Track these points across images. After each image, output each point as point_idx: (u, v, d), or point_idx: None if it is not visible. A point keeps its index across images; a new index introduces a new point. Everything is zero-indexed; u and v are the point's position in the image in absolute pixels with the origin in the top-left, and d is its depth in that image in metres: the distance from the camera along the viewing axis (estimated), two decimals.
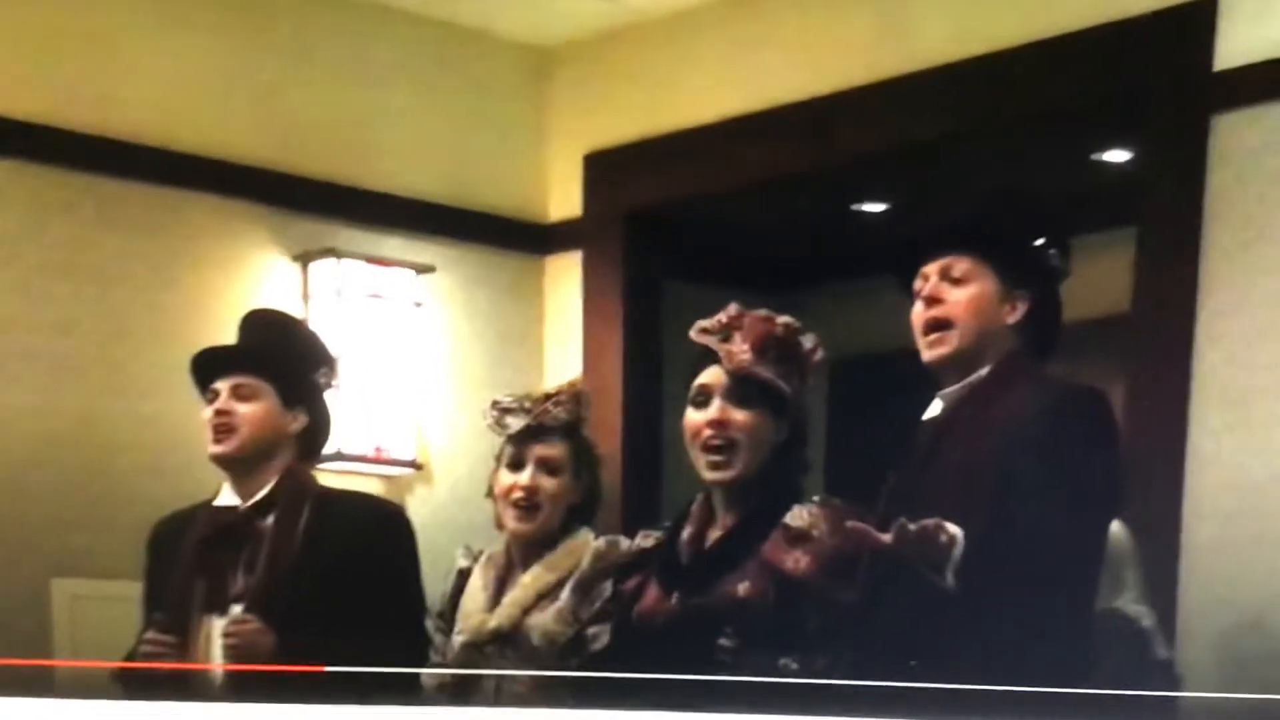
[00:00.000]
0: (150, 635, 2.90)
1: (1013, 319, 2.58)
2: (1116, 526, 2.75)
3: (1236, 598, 3.21)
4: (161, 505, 3.13)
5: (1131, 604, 2.91)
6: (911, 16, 3.89)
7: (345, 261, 4.20)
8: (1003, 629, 2.36)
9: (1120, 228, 3.68)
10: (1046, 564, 2.37)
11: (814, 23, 4.06)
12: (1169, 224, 3.45)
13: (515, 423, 3.02)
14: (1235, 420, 3.31)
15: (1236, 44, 3.39)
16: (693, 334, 2.73)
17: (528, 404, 3.04)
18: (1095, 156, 4.23)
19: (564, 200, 4.54)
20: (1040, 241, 2.61)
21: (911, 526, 2.36)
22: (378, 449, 4.25)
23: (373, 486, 4.21)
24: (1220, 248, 3.37)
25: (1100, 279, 3.37)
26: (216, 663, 2.87)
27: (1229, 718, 2.22)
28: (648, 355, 4.39)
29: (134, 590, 3.05)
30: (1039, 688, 2.15)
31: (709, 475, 2.67)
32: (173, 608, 2.91)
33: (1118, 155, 4.23)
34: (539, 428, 3.01)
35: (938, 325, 2.58)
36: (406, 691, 2.82)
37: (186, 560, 2.94)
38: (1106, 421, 2.50)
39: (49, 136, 3.84)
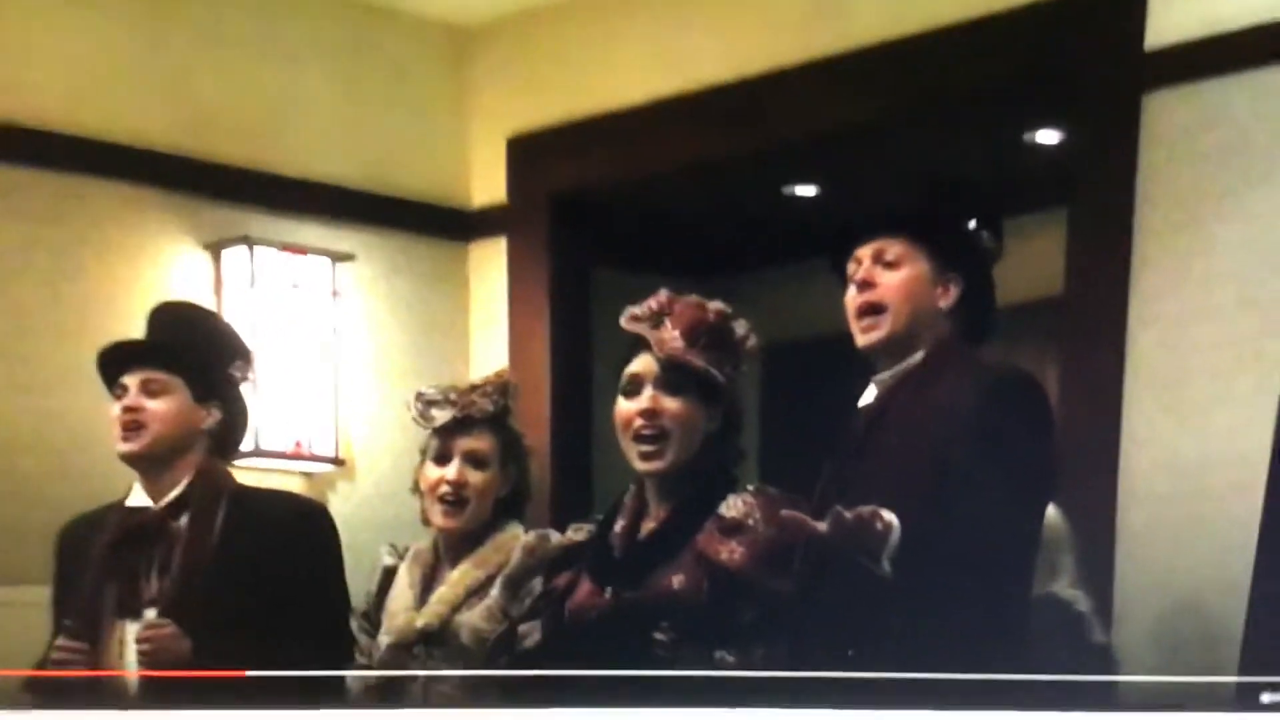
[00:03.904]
0: (61, 642, 2.88)
1: (946, 302, 2.63)
2: (1052, 511, 2.81)
3: (1172, 581, 3.28)
4: (69, 507, 3.11)
5: (1067, 588, 2.98)
6: None
7: (259, 250, 4.18)
8: (940, 616, 2.41)
9: (1052, 209, 3.75)
10: (982, 550, 2.43)
11: (741, 2, 4.09)
12: (1101, 205, 3.51)
13: (440, 415, 3.04)
14: (1169, 402, 3.37)
15: (1167, 22, 3.44)
16: (622, 321, 2.75)
17: (453, 396, 3.06)
18: (1026, 137, 4.28)
19: (487, 185, 4.54)
20: (973, 224, 2.66)
21: (847, 515, 2.41)
22: (297, 444, 4.24)
23: (293, 484, 4.20)
24: (1152, 229, 3.42)
25: (1033, 261, 3.43)
26: (131, 670, 2.87)
27: (1166, 701, 2.28)
28: (576, 344, 4.41)
29: (42, 596, 3.04)
30: (977, 674, 2.21)
31: (641, 466, 2.69)
32: (83, 613, 2.90)
33: (1049, 136, 4.28)
34: (465, 420, 3.03)
35: (871, 310, 2.63)
36: (331, 695, 2.83)
37: (97, 563, 2.93)
38: (1040, 406, 2.57)
39: None
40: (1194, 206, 3.40)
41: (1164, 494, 3.34)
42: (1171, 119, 3.43)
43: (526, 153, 4.48)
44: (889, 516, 2.42)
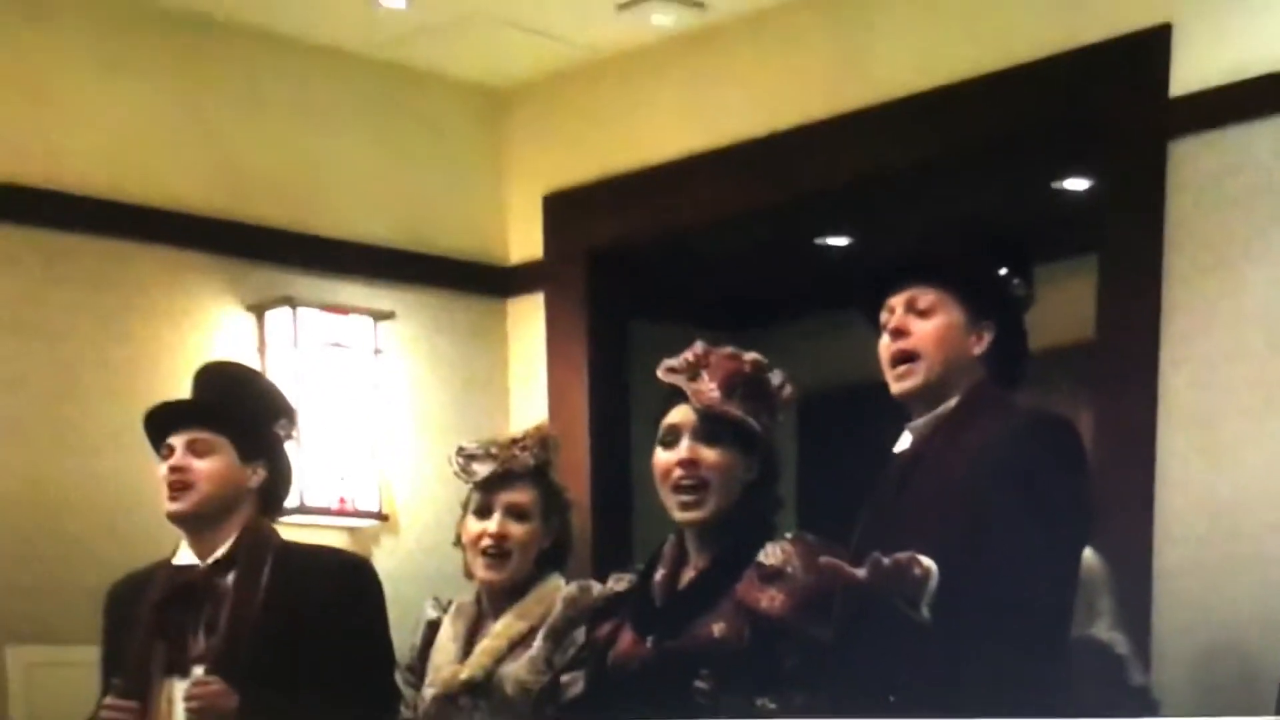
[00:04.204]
0: (109, 701, 2.89)
1: (979, 349, 2.63)
2: (1088, 554, 2.81)
3: (1210, 620, 3.26)
4: (117, 567, 3.13)
5: (1106, 630, 2.98)
6: (869, 49, 3.95)
7: (302, 310, 4.22)
8: (979, 661, 2.41)
9: (1082, 255, 3.76)
10: (1021, 594, 2.42)
11: (771, 56, 4.12)
12: (1130, 250, 3.51)
13: (482, 469, 3.06)
14: (1202, 443, 3.37)
15: (1192, 69, 3.47)
16: (660, 373, 2.77)
17: (494, 449, 3.08)
18: (1055, 185, 4.31)
19: (524, 241, 4.57)
20: (1004, 271, 2.67)
21: (885, 560, 2.39)
22: (341, 500, 4.27)
23: (337, 539, 4.22)
24: (1181, 273, 3.43)
25: (1064, 306, 3.45)
26: None
27: None
28: (614, 396, 4.42)
29: (91, 655, 3.05)
30: (1017, 719, 2.22)
31: (680, 515, 2.71)
32: (132, 672, 2.90)
33: (1078, 183, 4.31)
34: (506, 473, 3.05)
35: (905, 358, 2.63)
36: None
37: (145, 622, 2.93)
38: (1075, 448, 2.56)
39: None
40: (1221, 249, 3.41)
41: (1199, 534, 3.33)
42: (1197, 164, 3.44)
43: (562, 209, 4.51)
44: (927, 562, 2.41)
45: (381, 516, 4.36)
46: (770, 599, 2.61)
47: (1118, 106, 3.57)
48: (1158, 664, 3.25)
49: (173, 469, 2.96)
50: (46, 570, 3.86)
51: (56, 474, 3.91)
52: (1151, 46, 3.51)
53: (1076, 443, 2.59)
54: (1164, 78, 3.50)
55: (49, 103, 3.97)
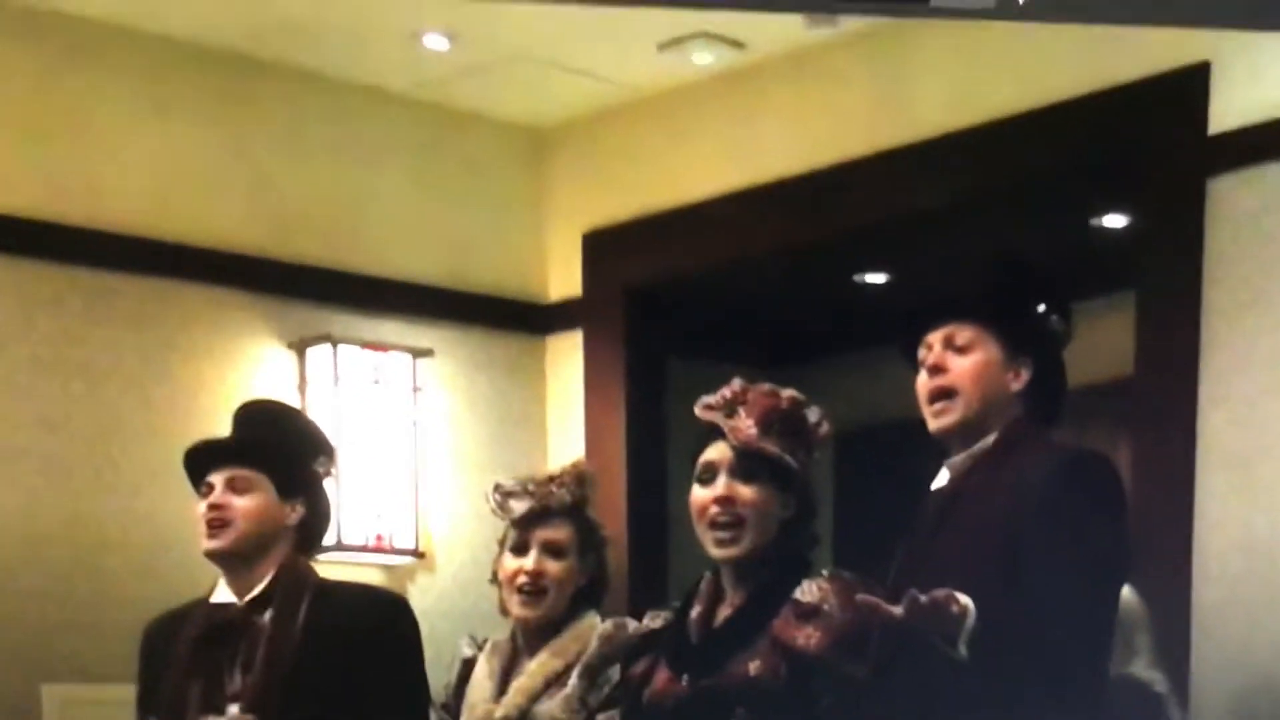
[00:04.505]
0: None
1: (1017, 386, 2.64)
2: (1126, 592, 2.81)
3: (1248, 659, 3.24)
4: (154, 605, 3.14)
5: (1145, 669, 2.96)
6: (908, 87, 3.97)
7: (342, 348, 4.26)
8: (1017, 699, 2.41)
9: (1120, 292, 3.75)
10: (1059, 632, 2.42)
11: (810, 95, 4.15)
12: (1168, 287, 3.52)
13: (519, 506, 3.06)
14: (1241, 481, 3.37)
15: (1230, 107, 3.48)
16: (697, 410, 2.77)
17: (531, 487, 3.08)
18: (1094, 222, 4.31)
19: (563, 280, 4.60)
20: (1042, 307, 2.68)
21: (923, 598, 2.40)
22: (378, 538, 4.28)
23: (374, 577, 4.24)
24: (1220, 309, 3.43)
25: (1102, 343, 3.44)
26: None
27: None
28: (651, 433, 4.43)
29: (128, 694, 3.06)
30: None
31: (716, 552, 2.70)
32: (168, 710, 2.91)
33: (1116, 220, 4.31)
34: (543, 510, 3.05)
35: (943, 394, 2.64)
36: None
37: (181, 660, 2.94)
38: (1113, 486, 2.56)
39: (35, 230, 3.89)
40: (1260, 286, 3.41)
41: (1238, 573, 3.31)
42: (1236, 201, 3.45)
43: (601, 247, 4.54)
44: (964, 600, 2.41)
45: (418, 554, 4.37)
46: (807, 636, 2.60)
47: (1156, 144, 3.59)
48: (1196, 702, 3.24)
49: (211, 506, 2.97)
50: (83, 608, 3.89)
51: (96, 512, 3.94)
52: (1190, 84, 3.53)
53: (1115, 480, 2.59)
54: (1203, 115, 3.51)
55: (92, 142, 4.02)
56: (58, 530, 3.89)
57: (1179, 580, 3.34)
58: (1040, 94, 3.72)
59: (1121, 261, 3.73)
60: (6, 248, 3.88)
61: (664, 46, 4.16)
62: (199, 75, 4.17)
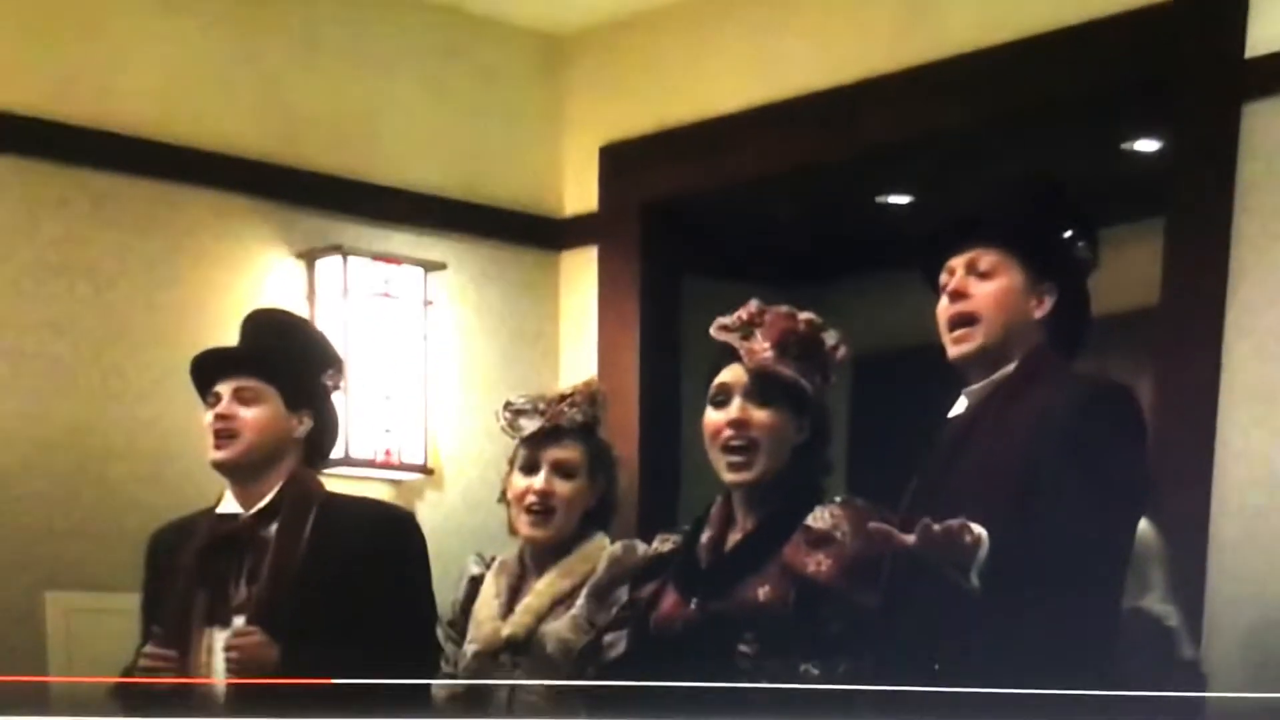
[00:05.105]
0: (149, 649, 2.92)
1: (1040, 313, 2.63)
2: (1143, 525, 2.80)
3: (1264, 595, 3.24)
4: (160, 514, 3.16)
5: (1158, 603, 2.97)
6: (936, 3, 3.92)
7: (352, 259, 4.24)
8: (1027, 630, 2.41)
9: (1149, 219, 3.72)
10: (1072, 563, 2.42)
11: (836, 9, 4.10)
12: (1198, 215, 3.48)
13: (529, 425, 3.07)
14: (1264, 414, 3.35)
15: (1268, 30, 3.42)
16: (713, 331, 2.77)
17: (542, 405, 3.09)
18: (1124, 146, 4.27)
19: (579, 194, 4.58)
20: (1068, 233, 2.66)
21: (936, 527, 2.40)
22: (387, 453, 4.29)
23: (382, 492, 4.24)
24: (1250, 239, 3.40)
25: (1128, 271, 3.41)
26: (218, 677, 2.90)
27: (1256, 717, 2.28)
28: (666, 353, 4.42)
29: (131, 603, 3.08)
30: (1064, 689, 2.23)
31: (729, 476, 2.71)
32: (172, 620, 2.93)
33: (1147, 145, 4.27)
34: (554, 430, 3.07)
35: (963, 320, 2.64)
36: (417, 703, 2.87)
37: (186, 571, 2.96)
38: (1134, 418, 2.56)
39: (41, 129, 3.87)
40: None
41: (1258, 507, 3.31)
42: (1271, 129, 3.41)
43: (619, 161, 4.50)
44: (978, 529, 2.42)
45: (427, 470, 4.38)
46: (817, 563, 2.61)
47: (1190, 67, 3.54)
48: (1209, 638, 3.25)
49: (218, 416, 2.99)
50: (88, 516, 3.90)
51: (102, 418, 3.95)
52: (1227, 5, 3.47)
53: (1136, 412, 2.58)
54: (1239, 38, 3.45)
55: (100, 39, 3.99)
56: (63, 436, 3.90)
57: (1197, 514, 3.33)
58: (1072, 13, 3.67)
59: (1151, 187, 3.69)
60: (13, 147, 3.87)
61: None
62: None
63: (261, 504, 2.99)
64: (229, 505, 3.02)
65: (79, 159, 3.95)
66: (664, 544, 2.87)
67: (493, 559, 3.16)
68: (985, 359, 2.64)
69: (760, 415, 2.70)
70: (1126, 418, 2.55)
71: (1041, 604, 2.41)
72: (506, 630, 3.04)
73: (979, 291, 2.64)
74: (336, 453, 3.37)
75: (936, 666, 2.45)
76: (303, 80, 4.25)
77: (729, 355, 2.75)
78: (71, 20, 3.95)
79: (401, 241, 4.37)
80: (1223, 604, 3.29)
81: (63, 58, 3.94)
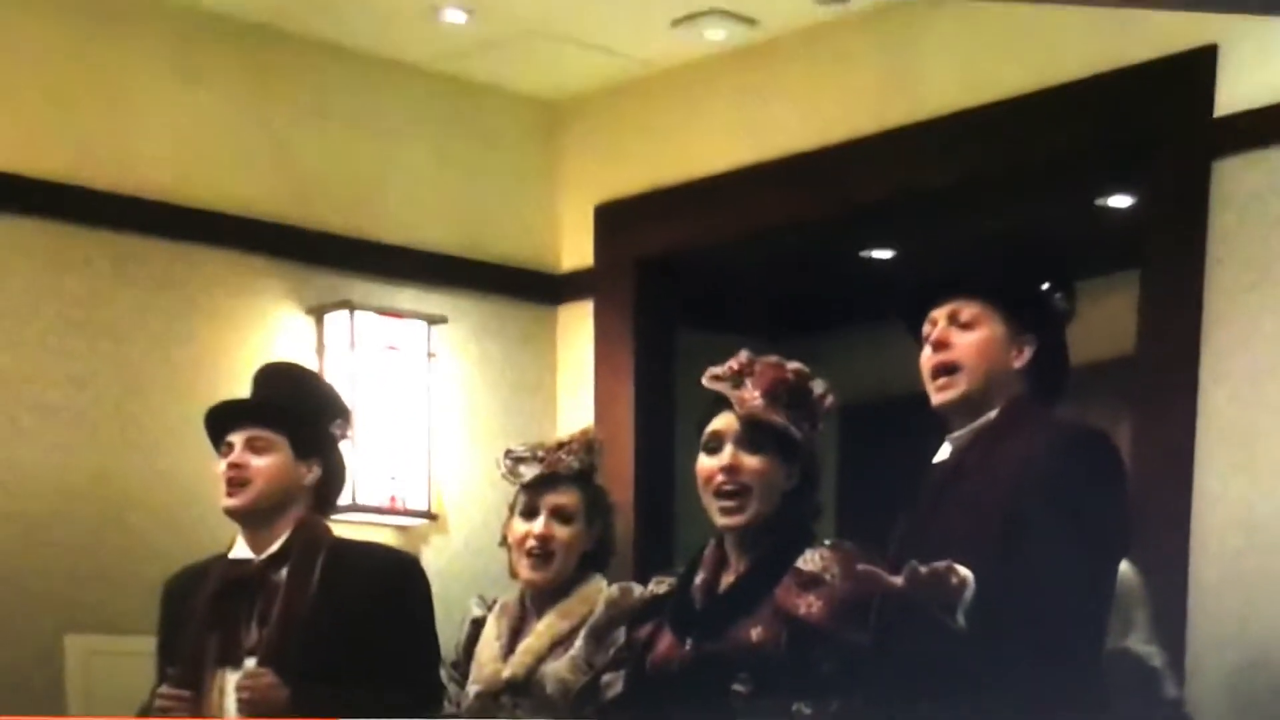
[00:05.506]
0: (164, 690, 2.89)
1: (1020, 363, 2.60)
2: (1125, 567, 2.77)
3: (1245, 635, 3.22)
4: (175, 559, 3.14)
5: (1141, 644, 2.93)
6: (917, 67, 3.93)
7: (359, 314, 4.23)
8: (1014, 670, 2.37)
9: (1124, 271, 3.71)
10: (1056, 605, 2.39)
11: (821, 74, 4.11)
12: (1172, 267, 3.48)
13: (528, 471, 3.05)
14: (1241, 459, 3.33)
15: (1236, 90, 3.43)
16: (705, 380, 2.76)
17: (540, 453, 3.07)
18: (1099, 202, 4.28)
19: (576, 251, 4.57)
20: (1046, 285, 2.64)
21: (922, 569, 2.36)
22: (392, 499, 4.27)
23: (387, 537, 4.21)
24: (1223, 289, 3.40)
25: (1105, 322, 3.40)
26: (230, 717, 2.87)
27: None
28: (659, 402, 4.41)
29: (148, 645, 3.06)
30: None
31: (721, 520, 2.69)
32: (186, 662, 2.91)
33: (1121, 200, 4.28)
34: (552, 476, 3.04)
35: (946, 369, 2.60)
36: None
37: (200, 614, 2.94)
38: (1113, 462, 2.53)
39: (65, 193, 3.88)
40: (1264, 267, 3.37)
41: (1236, 549, 3.29)
42: (1241, 183, 3.41)
43: (613, 219, 4.50)
44: (964, 571, 2.38)
45: (431, 516, 4.36)
46: (808, 605, 2.59)
47: (1163, 125, 3.55)
48: (1192, 678, 3.21)
49: (231, 465, 2.97)
50: (108, 562, 3.88)
51: (121, 469, 3.94)
52: (1197, 67, 3.49)
53: (1115, 456, 2.55)
54: (1209, 98, 3.47)
55: (122, 108, 4.00)
56: (84, 485, 3.89)
57: (1178, 556, 3.32)
58: (1048, 75, 3.69)
59: (1126, 241, 3.69)
60: (38, 210, 3.87)
61: (677, 22, 4.14)
62: (225, 46, 4.15)
63: (272, 549, 2.96)
64: (241, 550, 3.00)
65: (100, 221, 3.95)
66: (659, 586, 2.85)
67: (494, 601, 3.13)
68: (967, 406, 2.61)
69: (751, 461, 2.69)
70: (1106, 461, 2.52)
71: (1028, 644, 2.37)
72: (507, 671, 3.00)
73: (961, 341, 2.62)
74: (344, 499, 3.35)
75: (925, 705, 2.40)
76: (313, 145, 4.27)
77: (721, 404, 2.74)
78: (93, 90, 3.97)
79: (406, 297, 4.37)
80: (1205, 645, 3.27)
81: (85, 126, 3.96)
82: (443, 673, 3.06)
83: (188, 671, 2.90)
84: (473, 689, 3.03)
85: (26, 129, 3.87)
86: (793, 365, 2.75)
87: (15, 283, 3.85)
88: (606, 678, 2.90)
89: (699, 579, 2.73)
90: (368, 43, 4.28)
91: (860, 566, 2.47)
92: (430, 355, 4.36)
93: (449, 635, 3.09)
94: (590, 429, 3.31)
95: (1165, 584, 3.20)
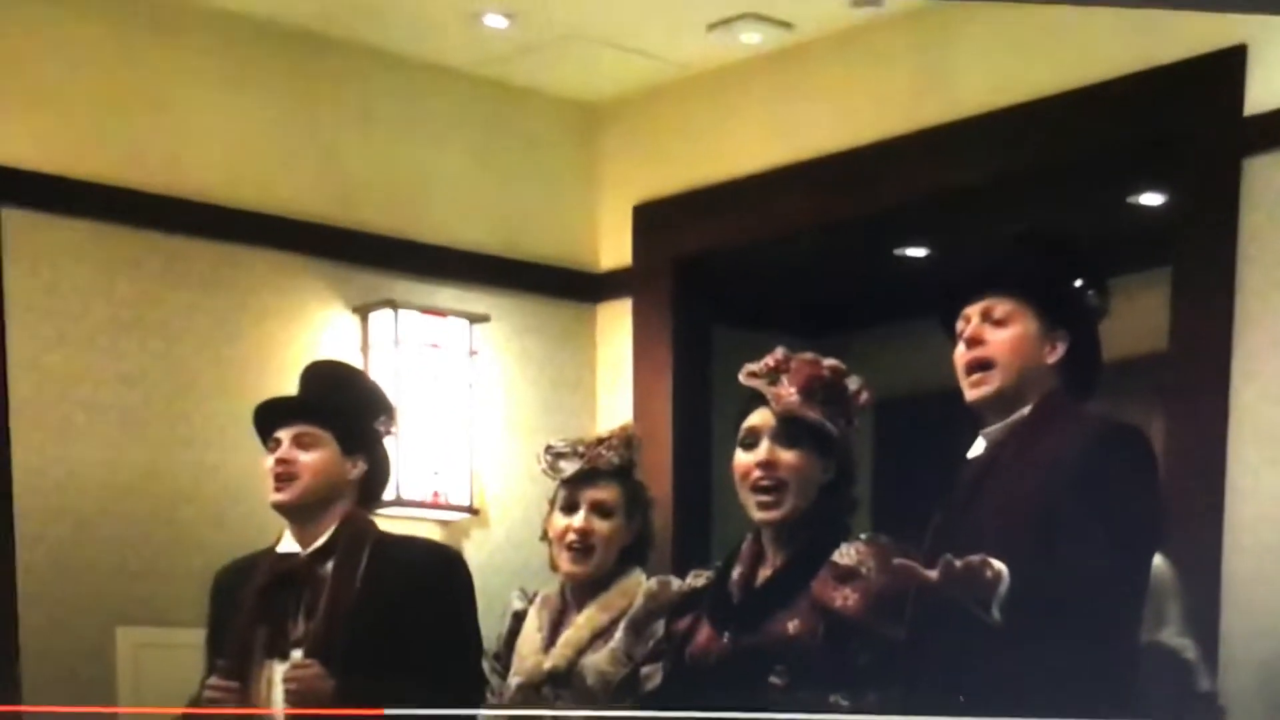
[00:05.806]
0: (213, 681, 2.91)
1: (1053, 359, 2.59)
2: (1158, 561, 2.75)
3: (1277, 629, 3.19)
4: (224, 554, 3.14)
5: (1174, 637, 2.91)
6: (950, 67, 3.92)
7: (402, 312, 4.25)
8: (1048, 663, 2.36)
9: (1156, 268, 3.69)
10: (1090, 598, 2.38)
11: (854, 75, 4.10)
12: (1203, 264, 3.46)
13: (569, 467, 3.04)
14: (1272, 455, 3.32)
15: (1266, 89, 3.42)
16: (741, 377, 2.75)
17: (581, 448, 3.06)
18: (1131, 200, 4.26)
19: (614, 250, 4.58)
20: (1079, 283, 2.62)
21: (957, 563, 2.36)
22: (435, 494, 4.28)
23: (431, 531, 4.23)
24: (1253, 288, 3.38)
25: (1137, 319, 3.37)
26: (278, 708, 2.88)
27: None
28: (697, 399, 4.41)
29: (197, 638, 3.06)
30: None
31: (758, 515, 2.68)
32: (235, 654, 2.91)
33: (1153, 198, 4.26)
34: (592, 471, 3.03)
35: (980, 366, 2.59)
36: None
37: (248, 607, 2.95)
38: (1146, 457, 2.51)
39: (116, 196, 3.90)
40: None
41: (1269, 544, 3.27)
42: (1271, 182, 3.39)
43: (651, 219, 4.51)
44: (998, 565, 2.37)
45: (473, 510, 4.36)
46: (844, 598, 2.58)
47: (1193, 125, 3.53)
48: (1225, 671, 3.19)
49: (278, 461, 2.97)
50: (158, 556, 3.91)
51: (170, 465, 3.96)
52: (1227, 66, 3.46)
53: (1148, 451, 2.53)
54: (1239, 97, 3.45)
55: (172, 114, 4.02)
56: (136, 481, 3.91)
57: (1210, 550, 3.30)
58: (1080, 75, 3.67)
59: (1158, 239, 3.67)
60: (90, 213, 3.90)
61: (713, 26, 4.14)
62: (272, 52, 4.16)
63: (318, 543, 2.97)
64: (288, 545, 3.00)
65: (150, 223, 3.98)
66: (697, 579, 2.84)
67: (535, 595, 3.12)
68: (1001, 402, 2.60)
69: (787, 456, 2.68)
70: (1139, 455, 2.50)
71: (1062, 638, 2.36)
72: (548, 663, 2.99)
73: (994, 338, 2.60)
74: (388, 494, 3.34)
75: (961, 698, 2.39)
76: (358, 148, 4.28)
77: (757, 400, 2.72)
78: (143, 95, 3.99)
79: (448, 296, 4.38)
80: (1238, 638, 3.25)
81: (135, 130, 3.98)
82: (485, 664, 3.06)
83: (236, 663, 2.91)
84: (514, 680, 3.02)
85: (78, 133, 3.90)
86: (828, 362, 2.74)
87: (67, 284, 3.88)
88: (645, 669, 2.88)
89: (736, 573, 2.72)
90: (411, 48, 4.29)
91: (896, 560, 2.46)
92: (472, 353, 4.37)
93: (490, 628, 3.08)
94: (629, 425, 3.29)
95: (1198, 578, 3.19)
